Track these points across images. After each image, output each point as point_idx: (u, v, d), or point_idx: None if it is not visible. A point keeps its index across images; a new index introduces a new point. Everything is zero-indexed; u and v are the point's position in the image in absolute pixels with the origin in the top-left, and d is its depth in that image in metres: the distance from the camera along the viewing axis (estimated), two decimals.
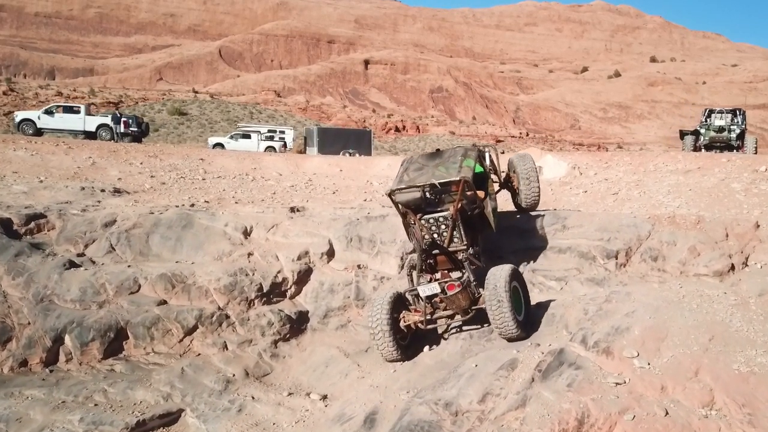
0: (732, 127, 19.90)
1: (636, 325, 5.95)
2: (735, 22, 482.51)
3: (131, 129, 27.38)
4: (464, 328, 7.08)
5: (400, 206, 6.89)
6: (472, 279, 6.76)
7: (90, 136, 25.69)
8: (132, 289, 7.73)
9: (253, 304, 7.84)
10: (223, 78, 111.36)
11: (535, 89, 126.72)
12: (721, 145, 19.92)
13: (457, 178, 6.66)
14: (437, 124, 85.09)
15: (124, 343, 7.32)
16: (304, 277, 8.30)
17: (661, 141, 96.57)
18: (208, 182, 12.20)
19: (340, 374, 6.94)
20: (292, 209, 9.50)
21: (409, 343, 6.95)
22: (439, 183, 6.73)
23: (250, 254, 8.38)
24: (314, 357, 7.41)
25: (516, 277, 6.57)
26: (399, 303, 6.86)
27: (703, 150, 20.03)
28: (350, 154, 27.19)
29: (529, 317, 6.67)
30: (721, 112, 20.44)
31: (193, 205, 9.57)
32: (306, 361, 7.37)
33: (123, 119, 27.56)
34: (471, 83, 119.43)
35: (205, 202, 9.90)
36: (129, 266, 8.07)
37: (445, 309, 6.77)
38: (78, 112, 26.44)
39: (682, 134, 20.75)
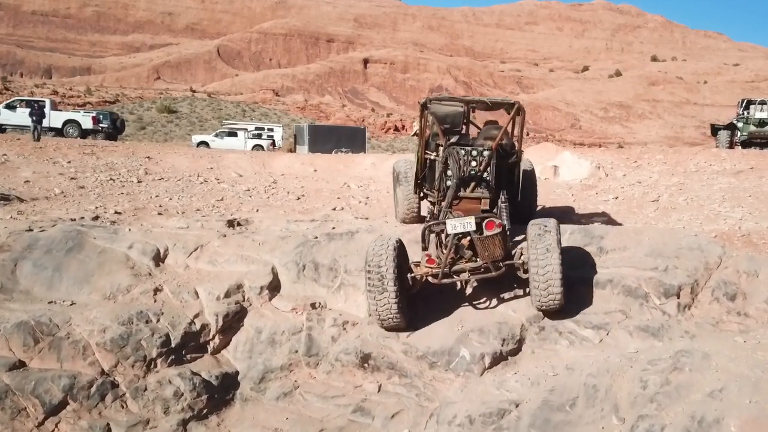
0: None
1: (730, 415, 4.02)
2: (736, 21, 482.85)
3: (102, 125, 25.90)
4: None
5: (431, 121, 5.96)
6: (507, 225, 5.56)
7: (57, 132, 24.11)
8: None
9: (154, 366, 5.37)
10: (222, 77, 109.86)
11: (535, 88, 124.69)
12: (763, 141, 17.26)
13: (512, 101, 5.93)
14: None
15: None
16: (233, 322, 5.83)
17: (663, 140, 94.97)
18: (144, 186, 9.70)
19: None
20: (230, 223, 7.03)
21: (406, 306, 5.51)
22: (491, 101, 5.97)
23: (157, 290, 5.87)
24: None
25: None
26: (402, 253, 5.47)
27: (739, 147, 17.43)
28: (343, 153, 25.10)
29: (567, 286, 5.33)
30: (763, 102, 17.72)
31: (96, 218, 7.06)
32: None
33: (93, 115, 25.84)
34: (471, 82, 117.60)
35: (116, 213, 7.34)
36: None
37: (471, 258, 5.41)
38: (43, 107, 24.60)
39: (715, 129, 18.10)
